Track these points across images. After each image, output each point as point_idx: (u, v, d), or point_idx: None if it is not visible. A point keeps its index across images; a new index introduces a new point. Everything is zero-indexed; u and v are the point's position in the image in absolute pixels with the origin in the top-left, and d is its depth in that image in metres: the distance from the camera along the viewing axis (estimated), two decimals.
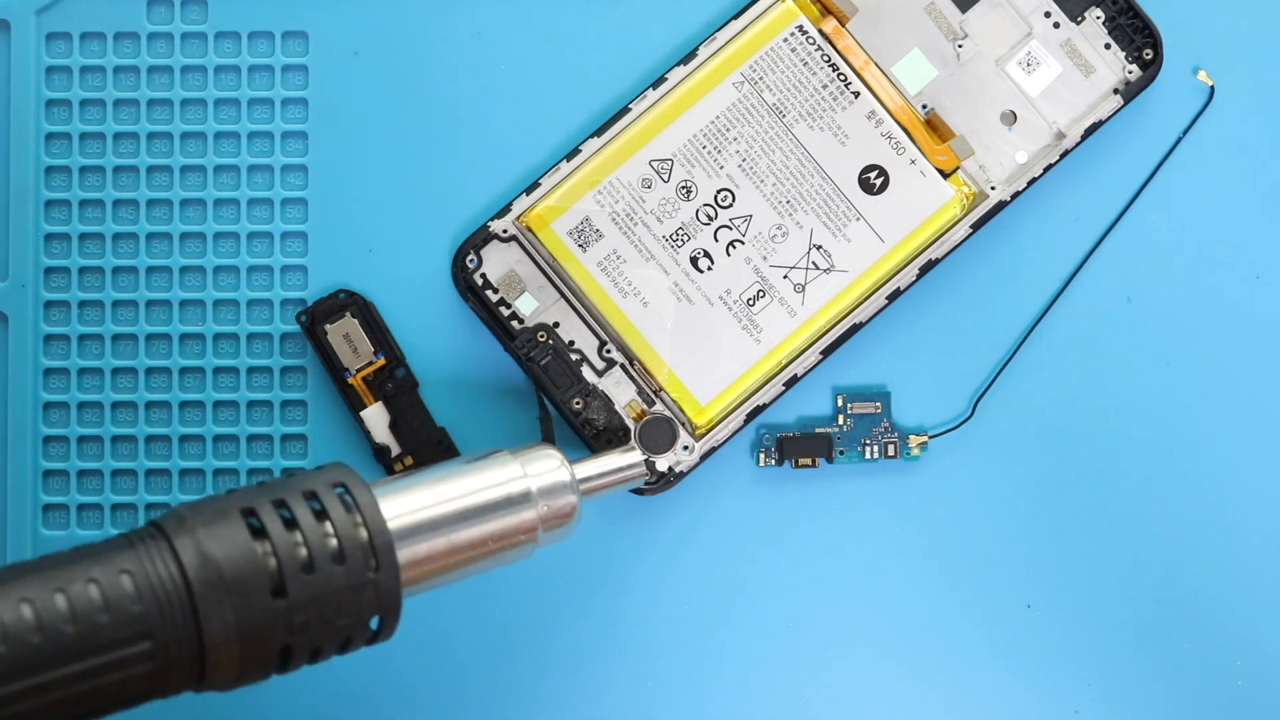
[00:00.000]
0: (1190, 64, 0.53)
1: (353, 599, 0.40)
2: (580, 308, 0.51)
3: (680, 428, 0.51)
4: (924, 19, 0.52)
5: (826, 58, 0.51)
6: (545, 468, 0.45)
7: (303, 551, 0.40)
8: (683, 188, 0.51)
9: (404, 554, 0.42)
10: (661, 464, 0.51)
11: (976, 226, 0.51)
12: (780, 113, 0.51)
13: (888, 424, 0.52)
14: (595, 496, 0.48)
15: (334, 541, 0.41)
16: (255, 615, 0.39)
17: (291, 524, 0.40)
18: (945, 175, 0.51)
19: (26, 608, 0.37)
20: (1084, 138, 0.51)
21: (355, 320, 0.52)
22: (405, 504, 0.43)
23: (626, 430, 0.51)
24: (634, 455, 0.49)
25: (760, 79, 0.51)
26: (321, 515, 0.41)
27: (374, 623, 0.41)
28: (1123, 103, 0.52)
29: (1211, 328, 0.53)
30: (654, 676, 0.52)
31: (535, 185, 0.51)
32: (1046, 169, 0.51)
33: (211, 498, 0.41)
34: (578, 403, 0.51)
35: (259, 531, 0.40)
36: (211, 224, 0.52)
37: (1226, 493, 0.52)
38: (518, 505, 0.44)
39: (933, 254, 0.51)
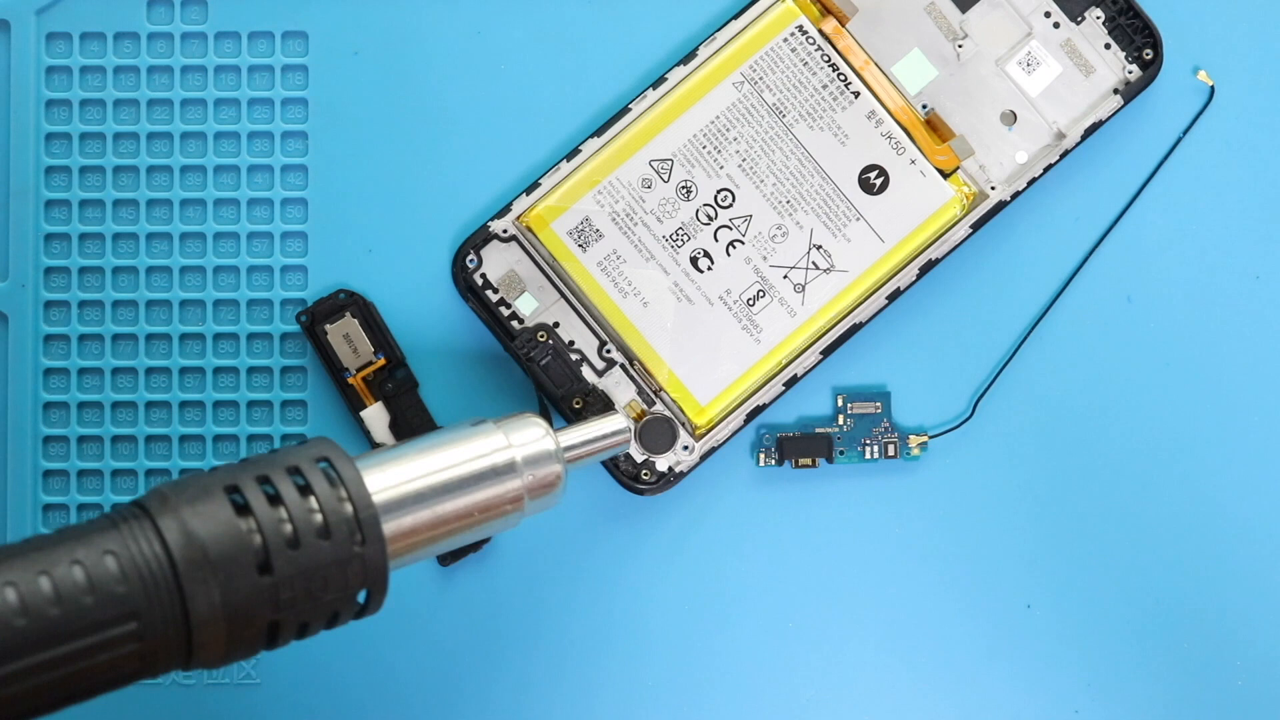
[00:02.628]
0: (1190, 64, 0.53)
1: (339, 573, 0.40)
2: (580, 308, 0.51)
3: (680, 428, 0.51)
4: (924, 19, 0.52)
5: (826, 58, 0.51)
6: (530, 437, 0.45)
7: (288, 527, 0.40)
8: (683, 188, 0.51)
9: (390, 527, 0.42)
10: (661, 464, 0.51)
11: (976, 226, 0.51)
12: (780, 113, 0.51)
13: (888, 424, 0.52)
14: (581, 464, 0.47)
15: (319, 516, 0.40)
16: (241, 593, 0.39)
17: (276, 500, 0.40)
18: (945, 175, 0.51)
19: (10, 591, 0.37)
20: (1084, 138, 0.51)
21: (355, 320, 0.52)
22: (390, 477, 0.43)
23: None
24: (618, 420, 0.48)
25: (760, 79, 0.51)
26: (306, 490, 0.41)
27: (361, 596, 0.41)
28: (1123, 103, 0.52)
29: (1211, 328, 0.53)
30: (654, 676, 0.52)
31: (535, 185, 0.51)
32: (1046, 169, 0.51)
33: (194, 475, 0.41)
34: (578, 403, 0.51)
35: (243, 508, 0.40)
36: (211, 224, 0.52)
37: (1226, 493, 0.52)
38: (503, 475, 0.44)
39: (933, 254, 0.51)
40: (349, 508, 0.41)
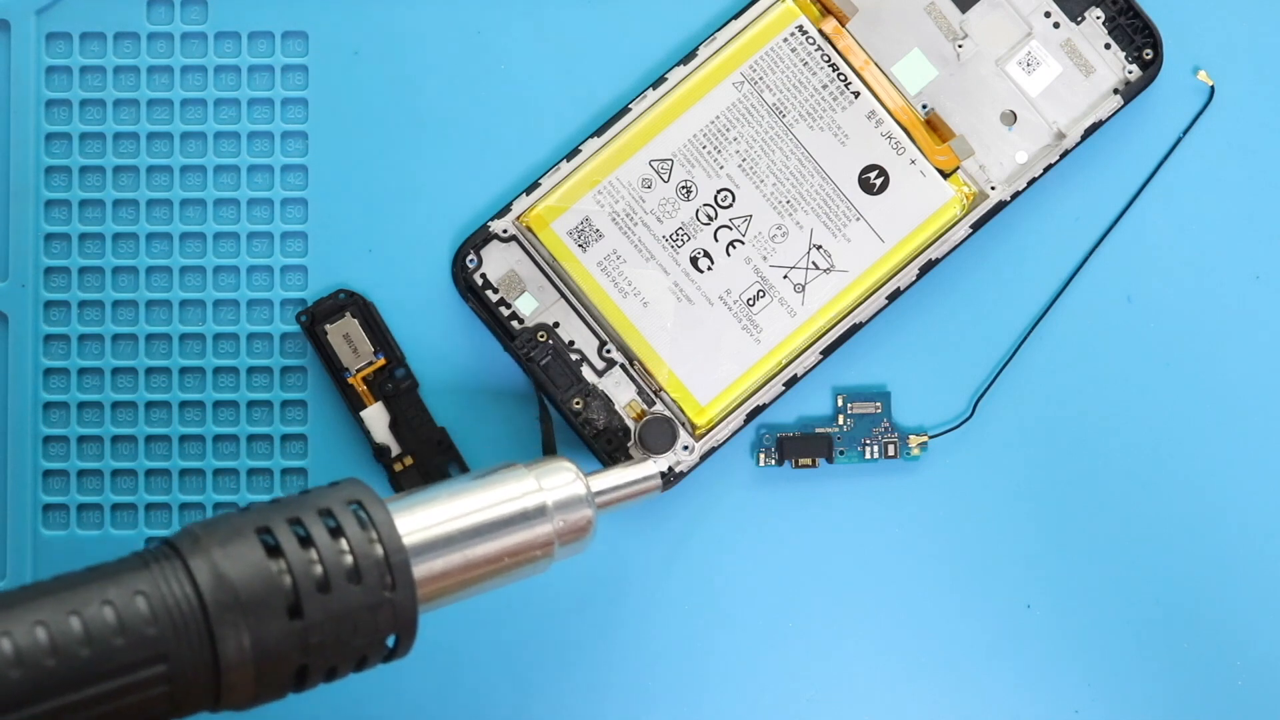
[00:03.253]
0: (1190, 64, 0.53)
1: (369, 618, 0.40)
2: (580, 308, 0.51)
3: (680, 428, 0.51)
4: (924, 19, 0.52)
5: (826, 58, 0.51)
6: (560, 481, 0.45)
7: (318, 570, 0.40)
8: (683, 188, 0.51)
9: (420, 571, 0.42)
10: (661, 464, 0.51)
11: (976, 226, 0.51)
12: (780, 113, 0.51)
13: (888, 424, 0.52)
14: (611, 509, 0.48)
15: (350, 559, 0.40)
16: (271, 636, 0.39)
17: (307, 542, 0.40)
18: (945, 175, 0.51)
19: (41, 630, 0.37)
20: (1084, 138, 0.51)
21: (355, 320, 0.52)
22: (420, 520, 0.43)
23: (626, 430, 0.51)
24: (649, 467, 0.48)
25: (760, 79, 0.51)
26: (337, 533, 0.40)
27: (390, 640, 0.41)
28: (1123, 103, 0.52)
29: (1211, 328, 0.53)
30: (653, 676, 0.52)
31: (535, 185, 0.51)
32: (1046, 169, 0.51)
33: (226, 516, 0.41)
34: (578, 403, 0.51)
35: (274, 550, 0.40)
36: (211, 224, 0.52)
37: (1226, 493, 0.52)
38: (533, 520, 0.44)
39: (933, 254, 0.51)
40: (380, 551, 0.41)
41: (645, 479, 0.48)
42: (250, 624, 0.39)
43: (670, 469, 0.51)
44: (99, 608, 0.38)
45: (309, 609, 0.39)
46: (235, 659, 0.39)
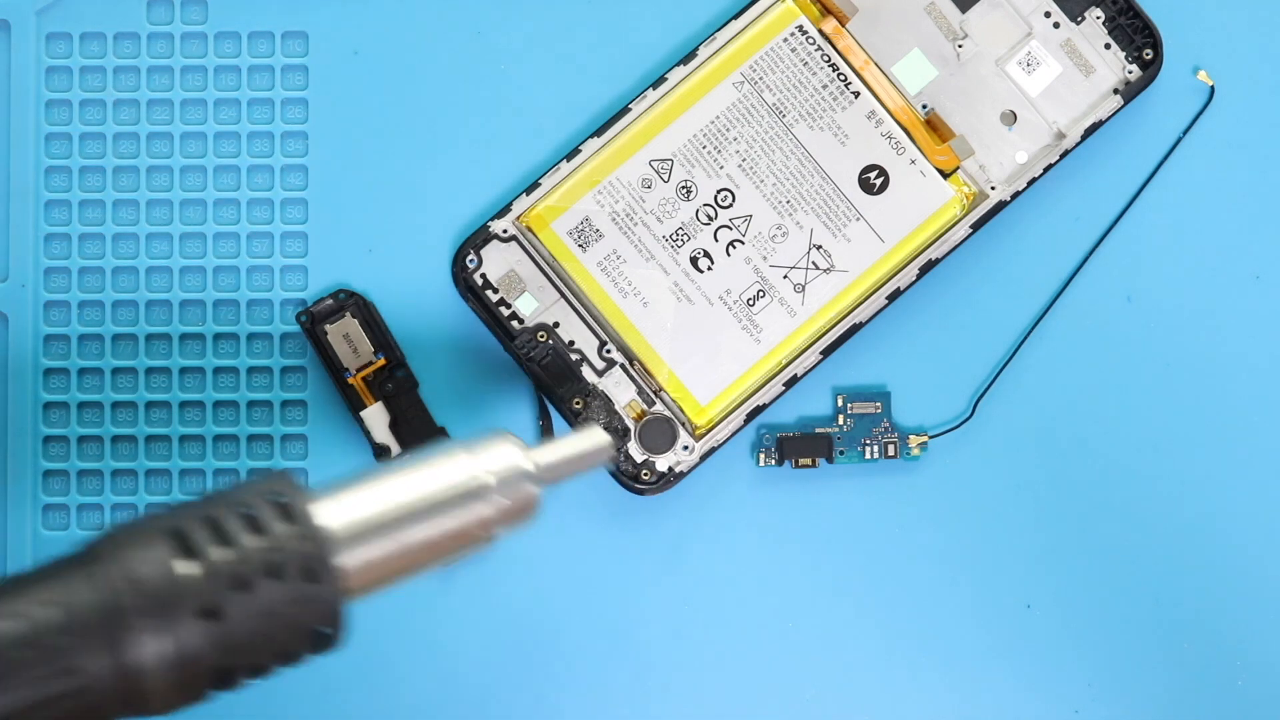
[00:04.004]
0: (1190, 64, 0.53)
1: (293, 613, 0.39)
2: (580, 308, 0.51)
3: (680, 428, 0.51)
4: (924, 19, 0.52)
5: (826, 58, 0.52)
6: (501, 457, 0.42)
7: (236, 569, 0.39)
8: (683, 188, 0.51)
9: (350, 559, 0.40)
10: (661, 464, 0.51)
11: (976, 226, 0.51)
12: (780, 113, 0.51)
13: (888, 424, 0.52)
14: (561, 483, 0.45)
15: (269, 556, 0.39)
16: (188, 640, 0.38)
17: (225, 541, 0.39)
18: (945, 175, 0.51)
19: None
20: (1084, 138, 0.51)
21: (355, 320, 0.52)
22: (348, 509, 0.41)
23: (627, 430, 0.51)
24: (597, 435, 0.44)
25: (760, 79, 0.51)
26: (256, 529, 0.39)
27: (320, 633, 0.40)
28: (1123, 103, 0.52)
29: (1211, 328, 0.53)
30: (653, 677, 0.52)
31: (535, 185, 0.51)
32: (1046, 169, 0.51)
33: (146, 517, 0.39)
34: (578, 403, 0.51)
35: (190, 551, 0.39)
36: (211, 224, 0.52)
37: (1226, 493, 0.52)
38: (471, 499, 0.42)
39: (933, 254, 0.51)
40: (301, 545, 0.39)
41: (595, 449, 0.43)
42: (166, 628, 0.38)
43: (670, 469, 0.51)
44: (8, 622, 0.37)
45: (227, 609, 0.39)
46: (151, 665, 0.38)
